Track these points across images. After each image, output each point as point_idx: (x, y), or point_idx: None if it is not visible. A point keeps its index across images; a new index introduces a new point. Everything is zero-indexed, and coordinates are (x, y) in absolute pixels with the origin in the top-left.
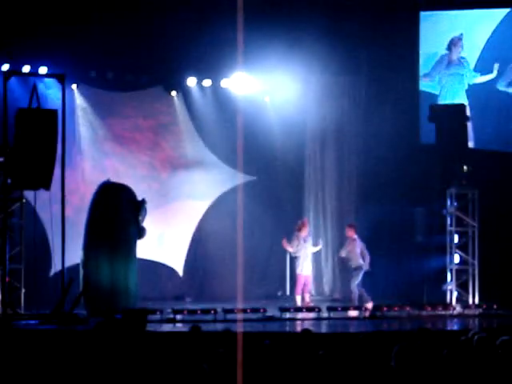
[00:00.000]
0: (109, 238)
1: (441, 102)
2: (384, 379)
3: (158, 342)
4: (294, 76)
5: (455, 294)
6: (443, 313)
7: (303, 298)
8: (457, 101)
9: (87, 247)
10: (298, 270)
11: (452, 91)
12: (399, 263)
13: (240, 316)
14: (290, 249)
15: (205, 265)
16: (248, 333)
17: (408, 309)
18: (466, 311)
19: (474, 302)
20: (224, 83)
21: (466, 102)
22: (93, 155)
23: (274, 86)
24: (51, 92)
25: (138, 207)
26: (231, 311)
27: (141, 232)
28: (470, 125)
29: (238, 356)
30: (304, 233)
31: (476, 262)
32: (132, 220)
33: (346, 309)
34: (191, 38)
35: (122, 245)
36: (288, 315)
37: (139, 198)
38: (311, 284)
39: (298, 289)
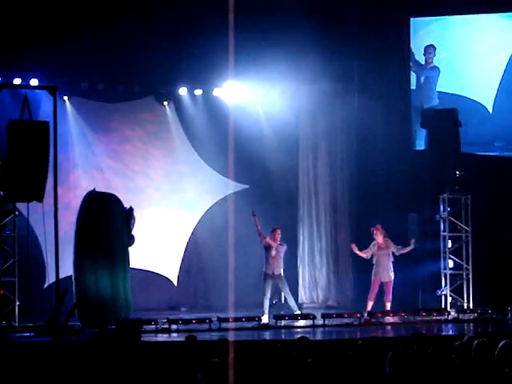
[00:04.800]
0: (99, 247)
1: None
2: None
3: (153, 352)
4: (286, 84)
5: (449, 299)
6: (438, 318)
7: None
8: None
9: (78, 258)
10: (372, 276)
11: None
12: (393, 269)
13: (234, 325)
14: (362, 255)
15: (199, 274)
16: (243, 341)
17: (402, 314)
18: (461, 316)
19: (468, 306)
20: (216, 92)
21: None
22: (86, 169)
23: (265, 95)
24: (43, 104)
25: (128, 215)
26: (226, 320)
27: (130, 240)
28: None
29: (230, 364)
30: (379, 239)
31: (470, 267)
32: (122, 228)
33: (340, 316)
34: (182, 47)
35: (113, 254)
36: (283, 323)
37: (127, 206)
38: (389, 293)
39: (371, 295)
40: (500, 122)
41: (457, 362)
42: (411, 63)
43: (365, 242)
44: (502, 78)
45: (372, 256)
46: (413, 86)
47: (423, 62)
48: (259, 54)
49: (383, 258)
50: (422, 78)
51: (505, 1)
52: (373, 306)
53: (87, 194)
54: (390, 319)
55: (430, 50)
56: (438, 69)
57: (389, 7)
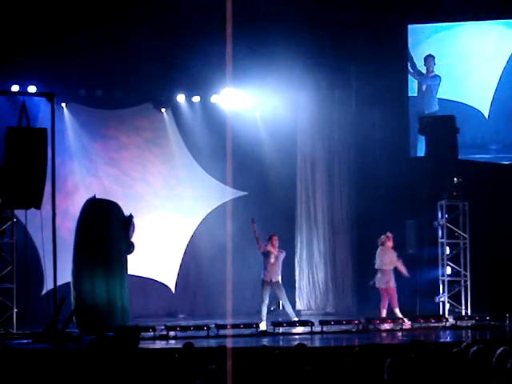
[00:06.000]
0: (99, 254)
1: None
2: None
3: (151, 360)
4: (284, 91)
5: (447, 305)
6: (436, 325)
7: (394, 312)
8: None
9: (77, 265)
10: (379, 285)
11: None
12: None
13: (232, 331)
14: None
15: (197, 280)
16: (241, 348)
17: (401, 321)
18: (459, 323)
19: (466, 313)
20: (214, 99)
21: None
22: (83, 176)
23: (263, 101)
24: (40, 110)
25: (127, 223)
26: (224, 327)
27: (129, 247)
28: None
29: (228, 371)
30: (388, 246)
31: (468, 274)
32: (121, 235)
33: (338, 322)
34: (180, 54)
35: (110, 261)
36: (281, 330)
37: (127, 214)
38: (394, 298)
39: (384, 302)
40: (495, 126)
41: (455, 369)
42: (412, 70)
43: (362, 247)
44: (498, 84)
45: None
46: (414, 93)
47: (424, 71)
48: (257, 61)
49: (389, 265)
50: (424, 86)
51: (501, 8)
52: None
53: (88, 200)
54: (387, 326)
55: (429, 59)
56: (439, 77)
57: (386, 14)
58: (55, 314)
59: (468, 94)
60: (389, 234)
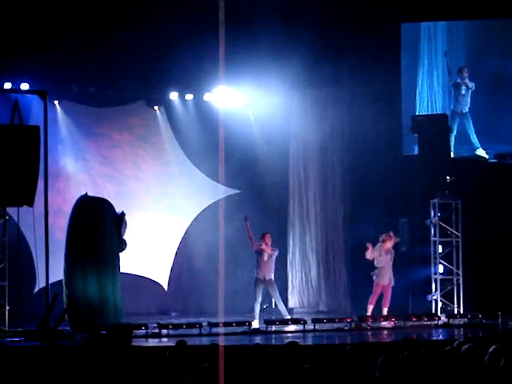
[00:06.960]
0: (91, 252)
1: None
2: None
3: (144, 357)
4: (277, 89)
5: (440, 304)
6: (428, 323)
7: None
8: None
9: (69, 262)
10: (376, 280)
11: None
12: None
13: (225, 329)
14: (371, 255)
15: (190, 278)
16: (234, 346)
17: (393, 319)
18: (451, 321)
19: (458, 311)
20: (207, 97)
21: None
22: (76, 174)
23: (256, 100)
24: (33, 108)
25: (118, 220)
26: (216, 325)
27: (122, 245)
28: None
29: (220, 369)
30: (387, 246)
31: (460, 272)
32: (113, 233)
33: (331, 320)
34: (173, 52)
35: (101, 259)
36: (273, 328)
37: (119, 211)
38: (388, 296)
39: (373, 298)
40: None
41: (447, 367)
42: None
43: (355, 245)
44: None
45: (373, 259)
46: (407, 92)
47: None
48: (250, 59)
49: (389, 262)
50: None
51: (490, 8)
52: (373, 310)
53: (80, 197)
54: (380, 324)
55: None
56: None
57: (380, 13)
58: (47, 312)
59: None
60: (391, 233)
